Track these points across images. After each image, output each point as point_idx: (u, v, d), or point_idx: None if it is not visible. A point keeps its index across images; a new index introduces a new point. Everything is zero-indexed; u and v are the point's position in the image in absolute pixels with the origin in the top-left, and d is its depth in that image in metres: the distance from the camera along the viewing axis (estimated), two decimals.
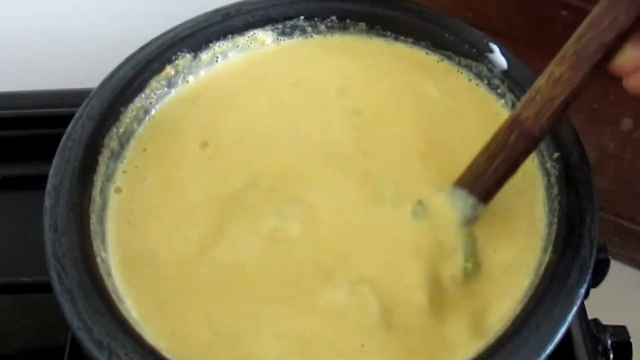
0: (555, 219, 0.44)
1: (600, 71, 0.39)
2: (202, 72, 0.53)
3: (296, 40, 0.54)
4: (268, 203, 0.47)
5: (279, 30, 0.54)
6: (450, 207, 0.45)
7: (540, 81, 0.41)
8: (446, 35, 0.53)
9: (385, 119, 0.50)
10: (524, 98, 0.42)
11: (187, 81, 0.53)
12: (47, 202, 0.44)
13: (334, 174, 0.48)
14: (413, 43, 0.54)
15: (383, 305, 0.42)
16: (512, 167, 0.43)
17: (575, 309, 0.41)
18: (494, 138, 0.43)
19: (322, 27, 0.55)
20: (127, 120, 0.49)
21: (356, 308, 0.42)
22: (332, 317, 0.42)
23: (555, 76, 0.40)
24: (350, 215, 0.46)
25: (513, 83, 0.50)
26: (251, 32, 0.54)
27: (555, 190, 0.45)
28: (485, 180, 0.44)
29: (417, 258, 0.44)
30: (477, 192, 0.44)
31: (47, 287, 0.42)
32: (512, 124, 0.42)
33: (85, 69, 0.61)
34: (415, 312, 0.42)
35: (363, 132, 0.50)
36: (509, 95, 0.50)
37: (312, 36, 0.55)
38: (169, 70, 0.52)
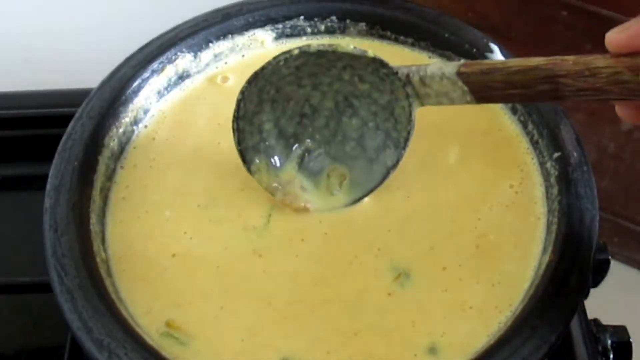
0: (555, 219, 0.44)
1: None
2: (202, 74, 0.53)
3: (296, 41, 0.55)
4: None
5: (279, 31, 0.54)
6: None
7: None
8: (446, 35, 0.53)
9: None
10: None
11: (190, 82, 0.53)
12: (47, 202, 0.44)
13: None
14: (413, 44, 0.54)
15: None
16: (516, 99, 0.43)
17: (575, 309, 0.41)
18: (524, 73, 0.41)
19: (322, 27, 0.55)
20: (127, 120, 0.50)
21: None
22: None
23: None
24: None
25: None
26: (251, 32, 0.54)
27: (555, 190, 0.45)
28: (488, 89, 0.42)
29: None
30: (475, 90, 0.43)
31: (47, 287, 0.42)
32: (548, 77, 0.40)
33: (85, 69, 0.61)
34: None
35: None
36: None
37: (312, 37, 0.55)
38: (169, 70, 0.52)
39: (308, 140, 0.48)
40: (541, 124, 0.48)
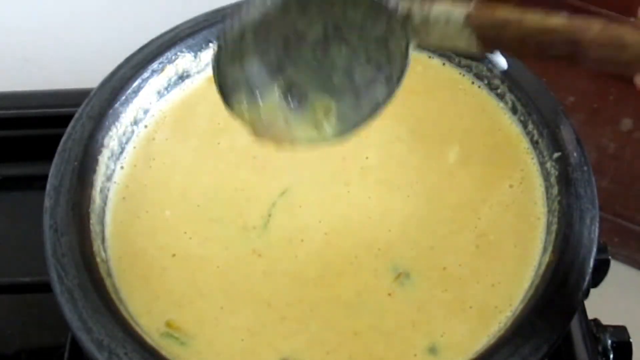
0: (555, 219, 0.44)
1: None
2: (202, 74, 0.53)
3: None
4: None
5: None
6: None
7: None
8: None
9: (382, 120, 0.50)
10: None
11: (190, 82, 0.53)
12: (47, 202, 0.44)
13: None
14: None
15: None
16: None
17: (575, 309, 0.41)
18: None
19: None
20: (127, 120, 0.50)
21: None
22: None
23: None
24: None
25: (513, 83, 0.50)
26: None
27: (555, 190, 0.45)
28: (498, 42, 0.40)
29: None
30: (482, 40, 0.40)
31: (47, 287, 0.42)
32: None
33: (85, 69, 0.61)
34: None
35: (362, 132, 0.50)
36: (509, 96, 0.50)
37: None
38: (169, 70, 0.52)
39: (292, 70, 0.44)
40: (541, 124, 0.48)
